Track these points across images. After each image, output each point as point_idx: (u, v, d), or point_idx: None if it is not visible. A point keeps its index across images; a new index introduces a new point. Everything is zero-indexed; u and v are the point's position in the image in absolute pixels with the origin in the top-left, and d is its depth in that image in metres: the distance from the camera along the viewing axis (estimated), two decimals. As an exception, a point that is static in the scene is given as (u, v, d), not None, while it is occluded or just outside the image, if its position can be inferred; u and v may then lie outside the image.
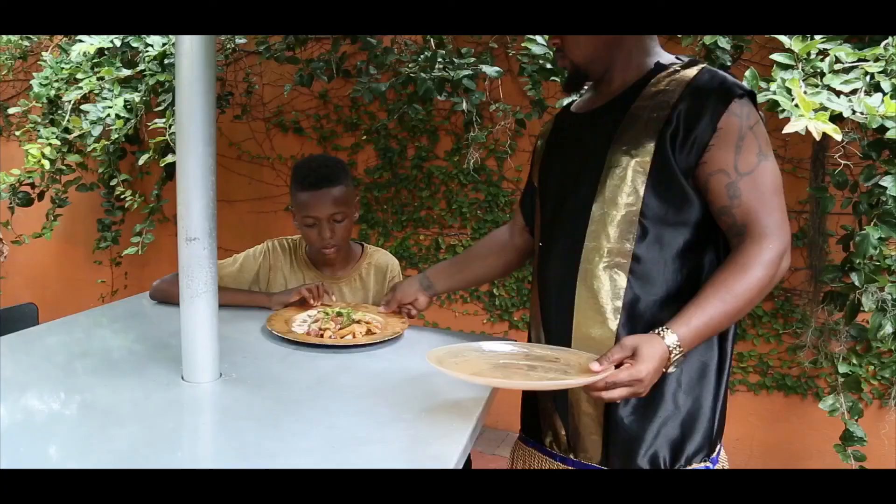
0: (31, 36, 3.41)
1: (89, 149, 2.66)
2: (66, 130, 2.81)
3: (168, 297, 1.75)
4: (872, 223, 1.88)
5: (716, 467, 1.23)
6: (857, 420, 1.95)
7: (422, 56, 2.28)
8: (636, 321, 1.16)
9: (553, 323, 1.27)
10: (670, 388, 1.17)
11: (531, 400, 1.38)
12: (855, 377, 2.16)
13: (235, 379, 1.28)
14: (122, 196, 2.78)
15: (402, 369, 1.37)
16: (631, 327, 1.16)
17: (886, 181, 1.81)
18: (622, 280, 1.17)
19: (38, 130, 2.85)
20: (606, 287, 1.18)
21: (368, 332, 1.51)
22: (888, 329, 1.98)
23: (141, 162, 2.63)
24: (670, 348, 1.04)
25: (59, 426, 1.05)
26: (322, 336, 1.48)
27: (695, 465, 1.19)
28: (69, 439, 1.00)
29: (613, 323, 1.17)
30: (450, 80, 2.20)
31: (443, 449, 1.00)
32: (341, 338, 1.46)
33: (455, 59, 2.23)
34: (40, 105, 2.93)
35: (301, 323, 1.56)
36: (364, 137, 3.05)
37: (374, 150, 3.07)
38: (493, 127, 2.49)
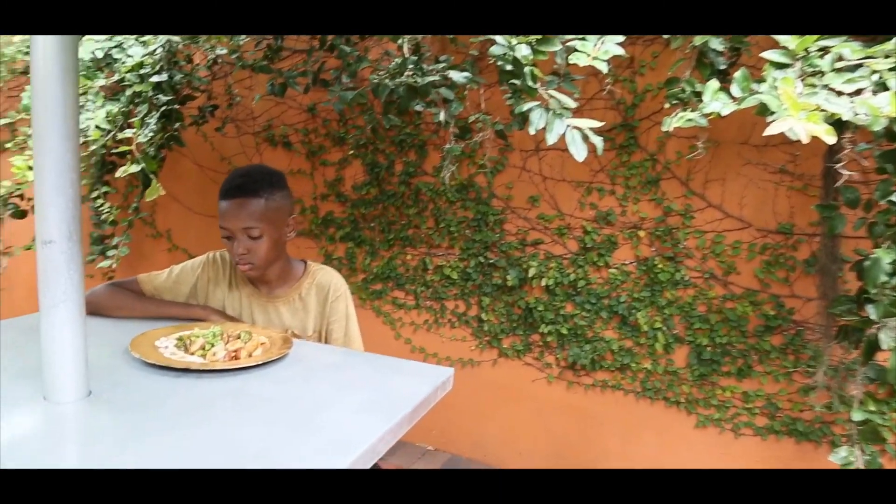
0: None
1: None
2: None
3: (98, 308, 1.64)
4: (886, 245, 1.64)
5: None
6: (879, 477, 1.67)
7: (393, 63, 2.15)
8: None
9: None
10: None
11: None
12: (872, 426, 1.88)
13: (106, 399, 1.14)
14: (100, 208, 2.72)
15: (295, 393, 1.22)
16: None
17: (901, 197, 1.58)
18: None
19: (28, 142, 2.84)
20: None
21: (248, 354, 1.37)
22: (911, 371, 1.72)
23: (117, 175, 2.57)
24: None
25: None
26: (237, 357, 1.34)
27: None
28: None
29: None
30: (416, 88, 2.05)
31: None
32: (232, 359, 1.32)
33: (424, 66, 2.08)
34: (29, 117, 2.91)
35: (166, 346, 1.40)
36: (351, 152, 2.93)
37: (362, 166, 2.94)
38: (470, 138, 2.33)
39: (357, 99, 2.27)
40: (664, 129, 1.80)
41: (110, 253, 2.70)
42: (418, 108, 2.28)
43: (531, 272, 2.63)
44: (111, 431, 1.06)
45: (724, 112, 1.68)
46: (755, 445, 2.33)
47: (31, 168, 2.75)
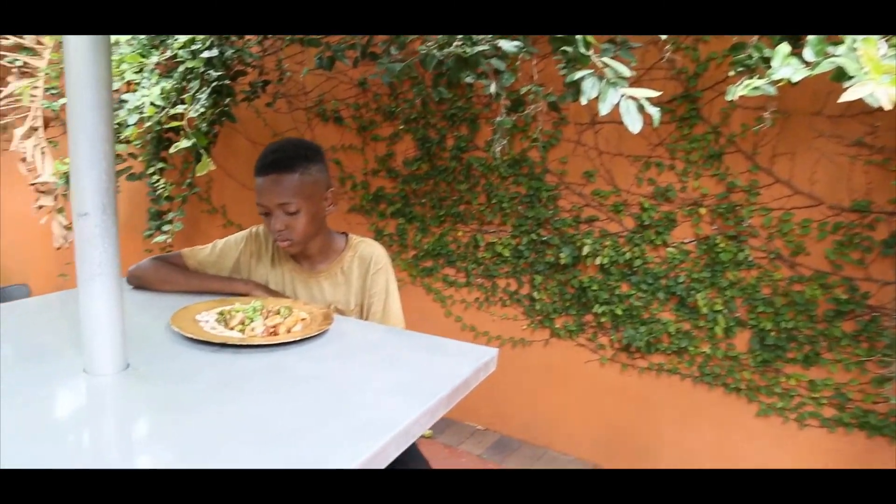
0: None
1: (123, 136, 2.66)
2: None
3: (143, 282, 1.67)
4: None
5: None
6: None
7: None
8: None
9: None
10: None
11: None
12: (953, 419, 1.74)
13: (143, 373, 1.14)
14: (156, 184, 2.76)
15: (330, 371, 1.19)
16: None
17: None
18: None
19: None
20: None
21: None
22: None
23: (171, 151, 2.60)
24: None
25: None
26: (276, 333, 1.32)
27: None
28: None
29: None
30: (466, 59, 1.97)
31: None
32: (270, 334, 1.30)
33: (473, 36, 2.01)
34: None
35: (206, 320, 1.39)
36: (402, 127, 2.88)
37: (413, 140, 2.89)
38: (523, 111, 2.24)
39: (405, 71, 2.21)
40: (728, 98, 1.68)
41: (165, 228, 2.75)
42: (469, 80, 2.22)
43: (585, 250, 2.54)
44: (143, 406, 1.06)
45: (796, 78, 1.54)
46: (821, 437, 2.19)
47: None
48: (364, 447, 0.90)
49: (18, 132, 3.29)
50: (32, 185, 3.25)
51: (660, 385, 2.51)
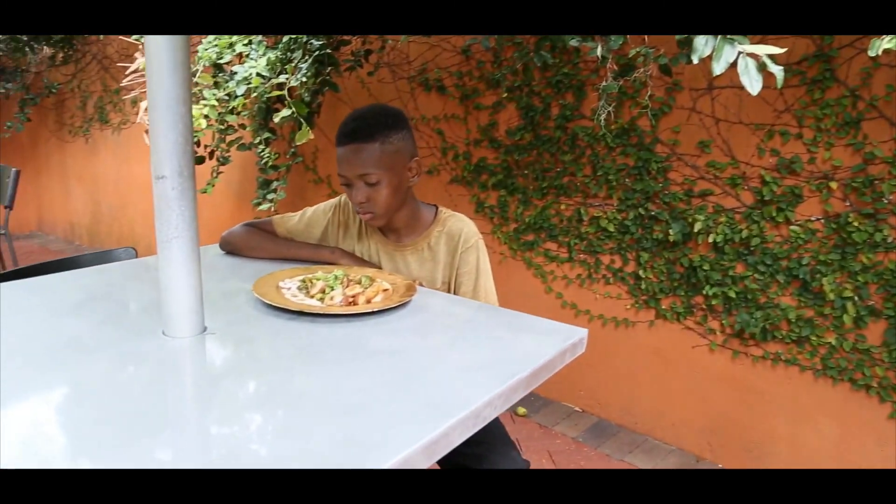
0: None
1: (231, 106, 2.73)
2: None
3: (234, 248, 1.70)
4: None
5: None
6: None
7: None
8: None
9: None
10: None
11: None
12: None
13: (219, 337, 1.14)
14: (262, 153, 2.82)
15: (406, 346, 1.15)
16: None
17: None
18: None
19: (202, 93, 3.01)
20: None
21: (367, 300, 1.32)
22: None
23: (276, 120, 2.64)
24: None
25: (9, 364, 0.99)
26: (355, 303, 1.30)
27: None
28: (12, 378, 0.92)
29: None
30: (568, 18, 1.85)
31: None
32: (349, 304, 1.27)
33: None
34: (208, 66, 3.08)
35: (288, 287, 1.38)
36: (505, 95, 2.78)
37: (516, 109, 2.78)
38: (631, 76, 2.08)
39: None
40: (871, 54, 1.48)
41: (270, 197, 2.82)
42: (574, 43, 2.10)
43: (697, 227, 2.35)
44: (211, 371, 1.06)
45: (956, 27, 1.32)
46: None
47: (205, 117, 2.92)
48: (429, 427, 0.84)
49: (143, 105, 3.48)
50: (155, 154, 3.43)
51: (775, 376, 2.29)
